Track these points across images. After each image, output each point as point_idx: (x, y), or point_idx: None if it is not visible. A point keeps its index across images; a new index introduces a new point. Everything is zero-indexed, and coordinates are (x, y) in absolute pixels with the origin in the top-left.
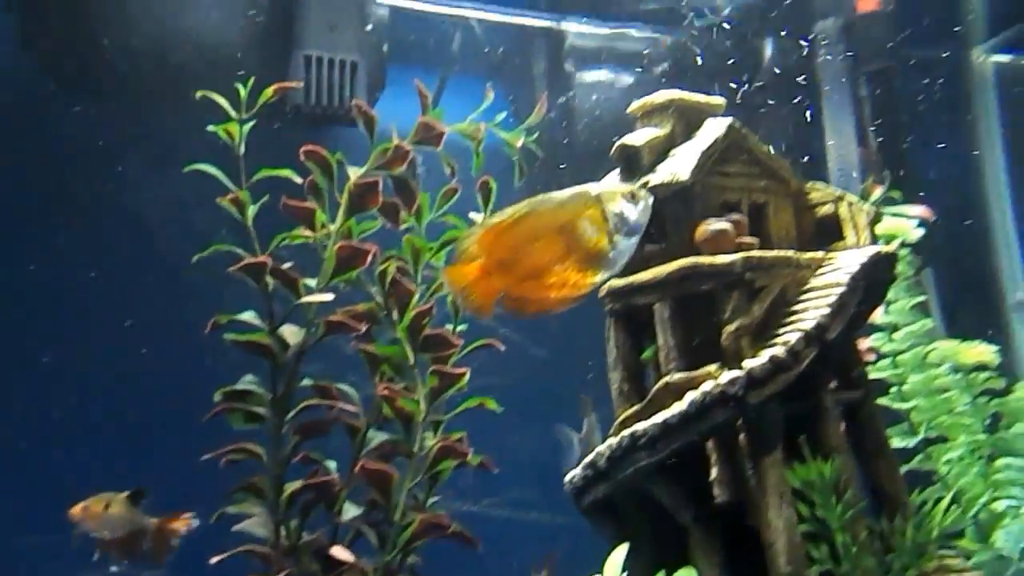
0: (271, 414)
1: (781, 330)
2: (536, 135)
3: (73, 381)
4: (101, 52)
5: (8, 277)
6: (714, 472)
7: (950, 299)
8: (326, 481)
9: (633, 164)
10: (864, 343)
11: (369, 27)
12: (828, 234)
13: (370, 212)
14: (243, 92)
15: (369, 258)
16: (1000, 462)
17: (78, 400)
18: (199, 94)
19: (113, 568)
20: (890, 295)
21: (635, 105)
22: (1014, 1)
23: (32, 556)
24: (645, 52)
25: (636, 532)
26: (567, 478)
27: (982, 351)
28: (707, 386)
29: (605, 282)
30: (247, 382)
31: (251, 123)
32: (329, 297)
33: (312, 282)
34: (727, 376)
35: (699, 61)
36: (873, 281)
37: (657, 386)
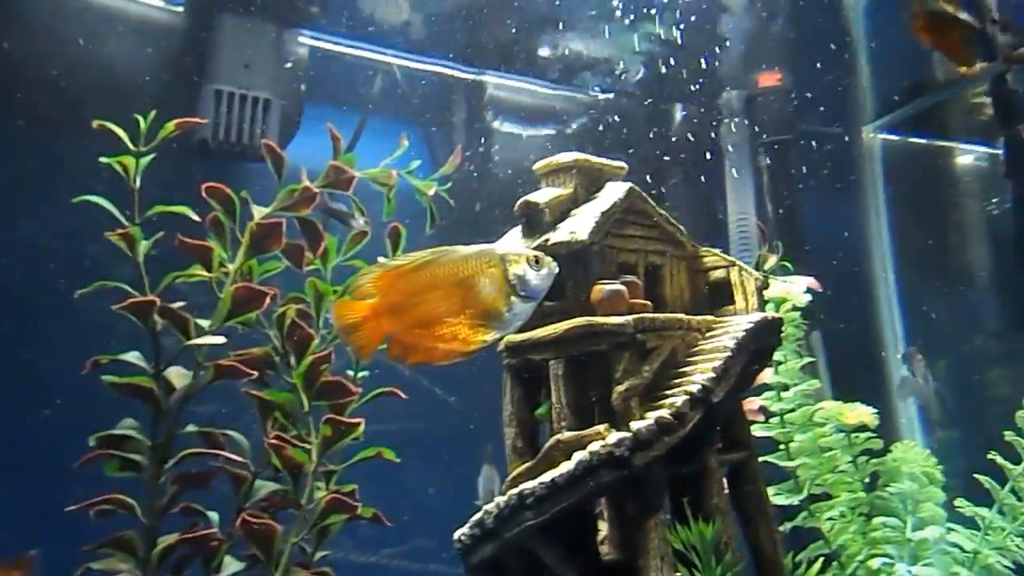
0: (149, 462)
1: (669, 392)
2: (449, 184)
3: None
4: None
5: None
6: (603, 532)
7: (837, 360)
8: (204, 535)
9: (534, 221)
10: (754, 403)
11: (287, 65)
12: (720, 298)
13: (273, 253)
14: (143, 124)
15: (267, 300)
16: (877, 520)
17: None
18: (96, 123)
19: None
20: (780, 356)
21: (540, 164)
22: (899, 87)
23: None
24: (561, 110)
25: None
26: (455, 536)
27: (862, 412)
28: (595, 446)
29: (498, 340)
30: (125, 426)
31: (150, 156)
32: (221, 340)
33: (206, 323)
34: (614, 437)
35: (610, 123)
36: (759, 345)
37: (548, 444)
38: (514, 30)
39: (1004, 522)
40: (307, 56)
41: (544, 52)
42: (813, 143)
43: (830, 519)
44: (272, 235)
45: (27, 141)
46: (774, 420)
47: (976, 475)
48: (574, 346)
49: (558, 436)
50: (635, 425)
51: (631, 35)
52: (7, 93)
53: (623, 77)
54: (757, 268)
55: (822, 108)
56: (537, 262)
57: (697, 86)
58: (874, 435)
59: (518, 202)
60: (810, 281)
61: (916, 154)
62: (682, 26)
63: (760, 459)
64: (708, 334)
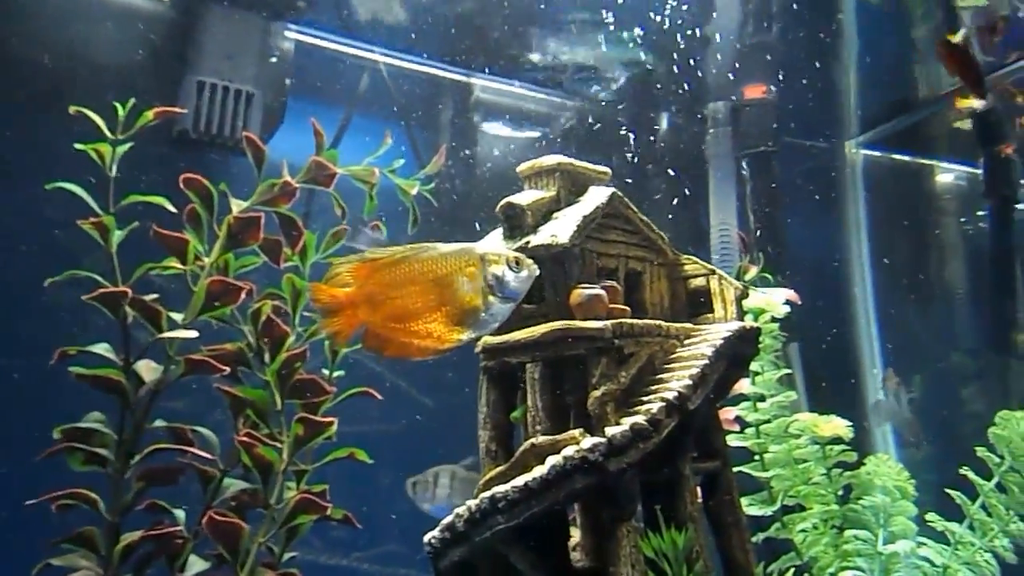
0: (115, 456)
1: (645, 398)
2: (432, 184)
3: None
4: None
5: None
6: (576, 538)
7: (814, 373)
8: (168, 532)
9: (516, 223)
10: (730, 412)
11: (272, 59)
12: (699, 306)
13: (251, 248)
14: (121, 112)
15: (242, 295)
16: (848, 532)
17: None
18: (73, 109)
19: None
20: (757, 367)
21: (524, 166)
22: (882, 104)
23: None
24: (545, 115)
25: None
26: (426, 539)
27: (837, 425)
28: (569, 451)
29: (476, 340)
30: (91, 420)
31: (127, 145)
32: (193, 334)
33: (179, 316)
34: (588, 442)
35: (594, 128)
36: (736, 354)
37: (522, 448)
38: (501, 32)
39: (974, 537)
40: (292, 50)
41: (531, 56)
42: (797, 156)
43: (802, 531)
44: (250, 229)
45: (1, 125)
46: (749, 431)
47: (948, 490)
48: (551, 349)
49: (533, 440)
50: (610, 431)
51: (619, 42)
52: None
53: (610, 84)
54: (738, 278)
55: (807, 122)
56: (517, 263)
57: (683, 95)
58: (848, 448)
59: (500, 203)
60: (789, 294)
61: (897, 171)
62: (670, 35)
63: (734, 469)
64: (686, 342)
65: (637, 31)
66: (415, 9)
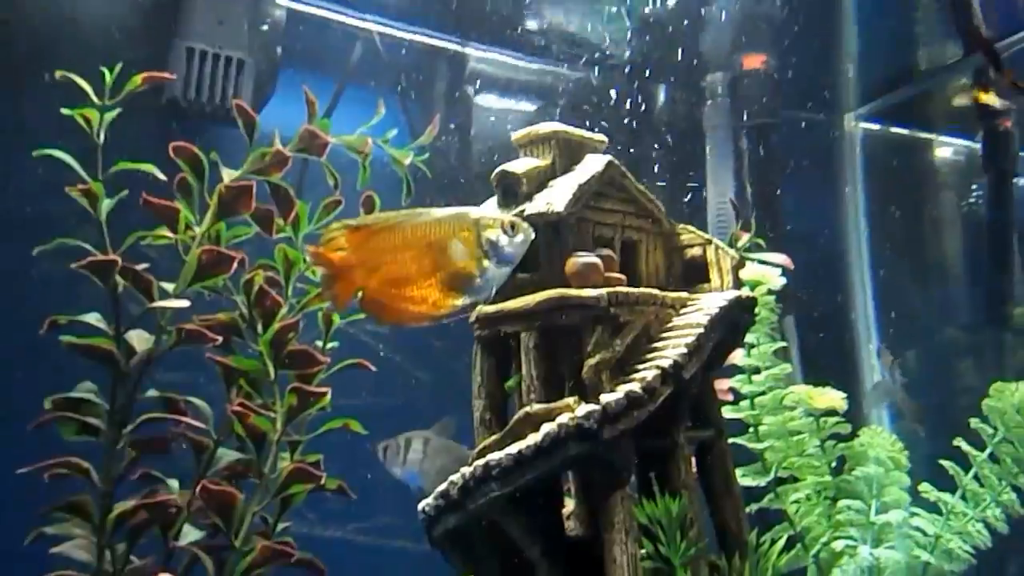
0: (107, 426)
1: (640, 366)
2: (426, 155)
3: None
4: None
5: None
6: (570, 507)
7: (809, 346)
8: (161, 501)
9: (511, 191)
10: (725, 384)
11: (263, 27)
12: (695, 276)
13: (242, 218)
14: (108, 77)
15: (235, 265)
16: (841, 503)
17: None
18: (59, 74)
19: None
20: (753, 339)
21: (519, 134)
22: (882, 77)
23: None
24: (544, 84)
25: (485, 565)
26: (420, 507)
27: (832, 397)
28: (563, 419)
29: (471, 308)
30: (83, 390)
31: (115, 111)
32: (185, 304)
33: (170, 286)
34: (583, 409)
35: (594, 98)
36: (732, 323)
37: (516, 416)
38: (497, 1)
39: (966, 507)
40: (284, 18)
41: (526, 24)
42: (795, 129)
43: (796, 502)
44: (242, 198)
45: None
46: (744, 403)
47: (941, 461)
48: (546, 318)
49: (527, 408)
50: (605, 398)
51: (616, 12)
52: None
53: (607, 54)
54: (730, 245)
55: (806, 93)
56: (512, 227)
57: (681, 65)
58: (842, 420)
59: (495, 172)
60: (783, 259)
61: (896, 144)
62: (667, 4)
63: (729, 441)
64: (682, 311)
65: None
66: None
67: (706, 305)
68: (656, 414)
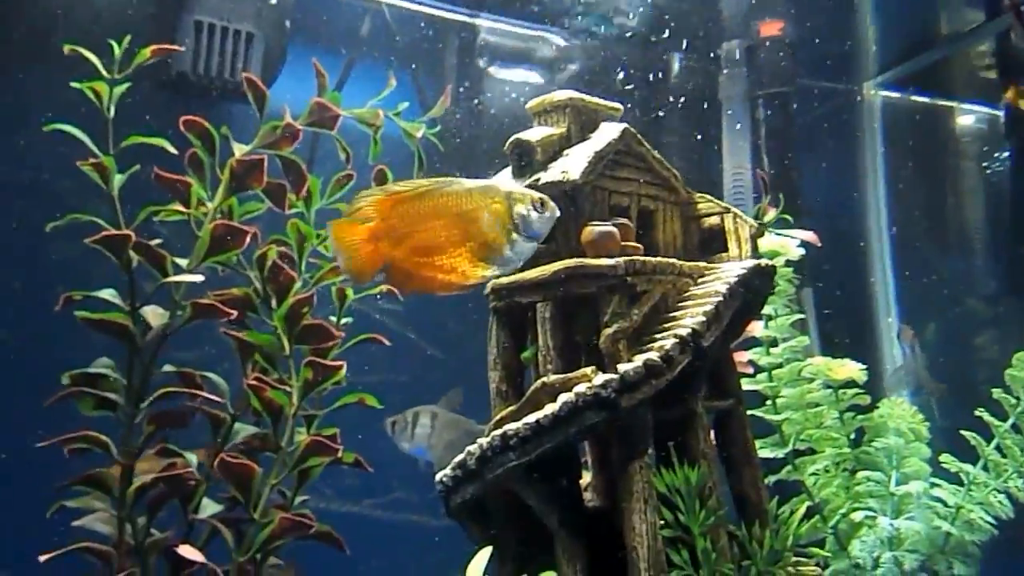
0: (125, 401)
1: (658, 335)
2: (438, 128)
3: None
4: None
5: None
6: (588, 477)
7: (827, 318)
8: (180, 475)
9: (526, 160)
10: (743, 356)
11: (272, 0)
12: (713, 245)
13: (255, 192)
14: (117, 50)
15: (248, 239)
16: (861, 475)
17: None
18: (68, 48)
19: None
20: (770, 311)
21: (533, 102)
22: (902, 43)
23: None
24: (556, 54)
25: (503, 535)
26: (438, 478)
27: (851, 369)
28: (580, 388)
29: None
30: (100, 365)
31: (125, 84)
32: (199, 278)
33: (184, 262)
34: (601, 378)
35: (607, 69)
36: (751, 292)
37: (534, 386)
38: None
39: (988, 478)
40: None
41: None
42: (813, 97)
43: (814, 473)
44: (254, 172)
45: None
46: (762, 374)
47: (962, 431)
48: (563, 288)
49: (544, 379)
50: (623, 367)
51: None
52: None
53: (622, 23)
54: (756, 220)
55: (824, 61)
56: (542, 204)
57: (697, 33)
58: (861, 391)
59: (509, 140)
60: (809, 235)
61: (916, 112)
62: None
63: (747, 413)
64: (700, 280)
65: None
66: None
67: (724, 274)
68: (674, 383)
